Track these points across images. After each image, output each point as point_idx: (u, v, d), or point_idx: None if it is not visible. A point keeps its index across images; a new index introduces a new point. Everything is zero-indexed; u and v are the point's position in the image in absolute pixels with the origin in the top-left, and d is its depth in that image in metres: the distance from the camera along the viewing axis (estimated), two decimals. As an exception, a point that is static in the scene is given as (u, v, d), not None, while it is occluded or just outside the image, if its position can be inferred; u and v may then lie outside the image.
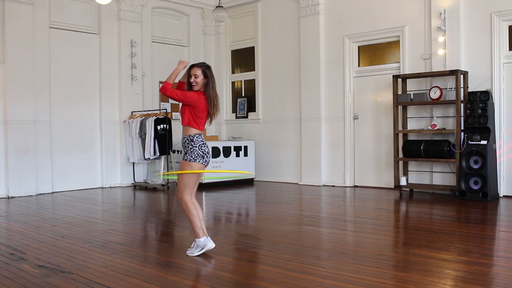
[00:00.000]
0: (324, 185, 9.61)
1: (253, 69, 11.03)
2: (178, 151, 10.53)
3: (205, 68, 4.39)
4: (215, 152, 9.54)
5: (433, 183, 8.28)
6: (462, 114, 7.71)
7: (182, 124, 4.42)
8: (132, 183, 9.95)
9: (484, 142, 7.36)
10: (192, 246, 4.45)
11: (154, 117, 9.44)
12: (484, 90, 7.56)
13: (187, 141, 4.36)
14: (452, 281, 3.66)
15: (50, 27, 9.10)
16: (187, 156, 4.35)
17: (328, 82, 9.65)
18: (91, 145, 9.72)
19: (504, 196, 7.69)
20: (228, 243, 4.99)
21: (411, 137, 8.49)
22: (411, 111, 8.52)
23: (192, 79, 4.35)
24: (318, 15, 9.64)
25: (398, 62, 8.75)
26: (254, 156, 10.36)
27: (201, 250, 4.38)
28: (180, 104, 4.49)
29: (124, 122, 9.89)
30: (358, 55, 9.38)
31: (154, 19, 10.65)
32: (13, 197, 8.45)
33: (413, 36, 8.50)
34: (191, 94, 4.34)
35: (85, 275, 3.85)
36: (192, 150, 4.33)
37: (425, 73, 8.07)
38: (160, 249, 4.97)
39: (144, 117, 9.61)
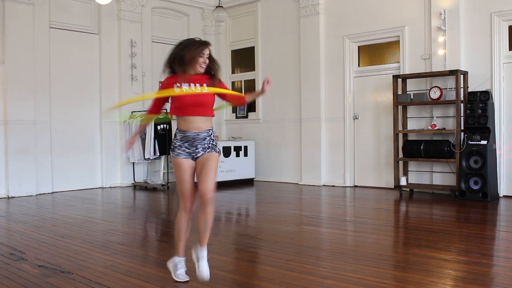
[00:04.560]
0: (324, 185, 9.61)
1: (253, 69, 11.03)
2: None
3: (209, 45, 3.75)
4: (215, 152, 9.52)
5: (433, 183, 8.28)
6: (462, 114, 7.71)
7: (208, 115, 3.76)
8: (132, 183, 9.95)
9: (484, 142, 7.36)
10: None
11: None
12: (484, 90, 7.56)
13: (212, 135, 3.88)
14: (452, 281, 3.66)
15: (50, 27, 9.09)
16: (216, 148, 3.90)
17: (328, 82, 9.65)
18: (91, 145, 9.72)
19: (504, 196, 7.69)
20: (228, 243, 4.99)
21: (411, 137, 8.48)
22: (411, 111, 8.51)
23: (204, 60, 3.66)
24: (318, 15, 9.63)
25: (398, 62, 8.75)
26: (254, 156, 10.35)
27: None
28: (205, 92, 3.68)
29: (124, 122, 9.89)
30: (358, 55, 9.38)
31: (154, 19, 10.64)
32: (13, 197, 8.45)
33: (413, 36, 8.50)
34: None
35: (85, 275, 3.85)
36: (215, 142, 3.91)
37: (425, 73, 8.06)
38: (160, 249, 4.97)
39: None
